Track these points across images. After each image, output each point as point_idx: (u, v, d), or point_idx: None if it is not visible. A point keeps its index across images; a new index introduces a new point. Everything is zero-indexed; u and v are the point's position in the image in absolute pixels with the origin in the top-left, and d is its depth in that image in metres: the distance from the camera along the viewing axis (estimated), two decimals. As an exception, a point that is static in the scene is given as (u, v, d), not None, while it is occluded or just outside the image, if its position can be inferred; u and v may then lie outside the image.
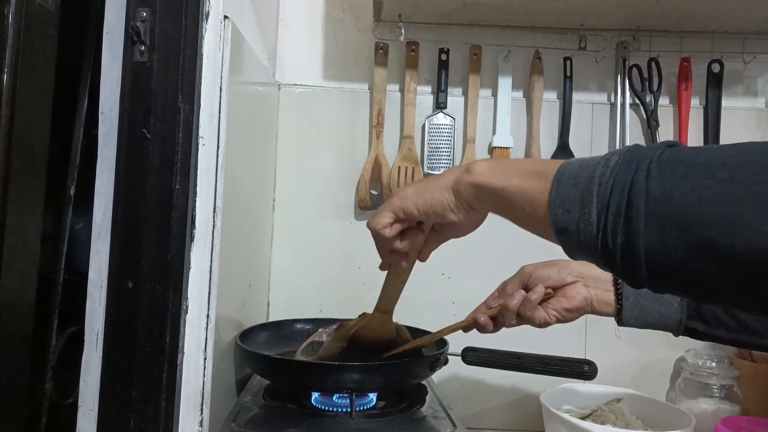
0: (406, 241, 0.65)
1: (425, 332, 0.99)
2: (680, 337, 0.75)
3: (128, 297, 0.66)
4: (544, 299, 0.75)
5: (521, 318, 0.77)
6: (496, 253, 1.15)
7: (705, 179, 0.38)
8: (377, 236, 0.66)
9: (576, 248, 0.45)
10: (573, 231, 0.44)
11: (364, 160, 1.15)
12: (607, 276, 0.74)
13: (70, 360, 0.73)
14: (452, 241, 1.21)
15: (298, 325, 1.03)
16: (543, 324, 0.76)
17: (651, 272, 0.40)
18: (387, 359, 0.83)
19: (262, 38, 1.05)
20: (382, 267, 0.71)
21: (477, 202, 0.56)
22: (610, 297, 0.74)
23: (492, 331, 0.80)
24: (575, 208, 0.44)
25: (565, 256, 0.48)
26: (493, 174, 0.53)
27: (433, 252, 1.19)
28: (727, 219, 0.36)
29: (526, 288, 0.77)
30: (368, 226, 0.66)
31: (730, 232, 0.36)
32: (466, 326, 0.81)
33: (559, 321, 0.75)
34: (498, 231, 1.17)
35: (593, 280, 0.75)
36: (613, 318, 0.76)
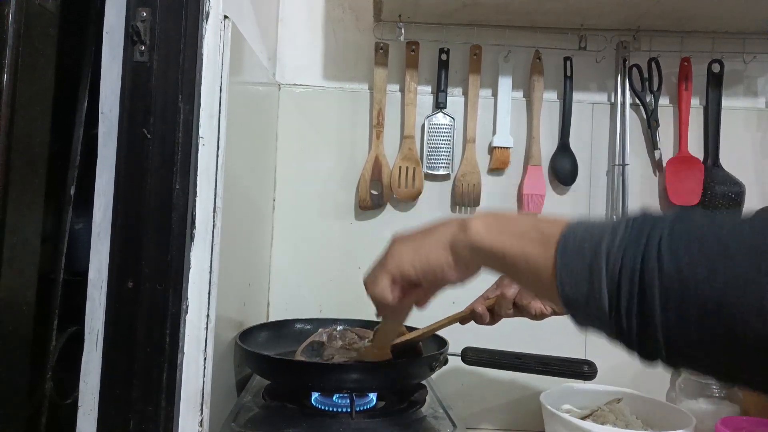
0: (406, 299, 0.62)
1: (425, 332, 0.99)
2: None
3: (128, 297, 0.66)
4: None
5: (518, 308, 0.78)
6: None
7: (723, 260, 0.37)
8: (377, 302, 0.63)
9: (586, 322, 0.45)
10: (582, 306, 0.43)
11: (364, 160, 1.15)
12: None
13: (70, 360, 0.73)
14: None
15: (298, 325, 1.03)
16: (539, 314, 0.77)
17: (671, 353, 0.40)
18: (386, 360, 0.83)
19: (262, 38, 1.05)
20: (378, 315, 0.69)
21: (476, 263, 0.54)
22: None
23: (489, 323, 0.81)
24: (584, 284, 0.42)
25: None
26: (491, 234, 0.50)
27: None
28: (753, 307, 0.35)
29: None
30: (367, 291, 0.64)
31: (761, 321, 0.35)
32: (464, 318, 0.81)
33: (554, 313, 0.75)
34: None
35: None
36: None
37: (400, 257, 0.58)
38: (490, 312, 0.80)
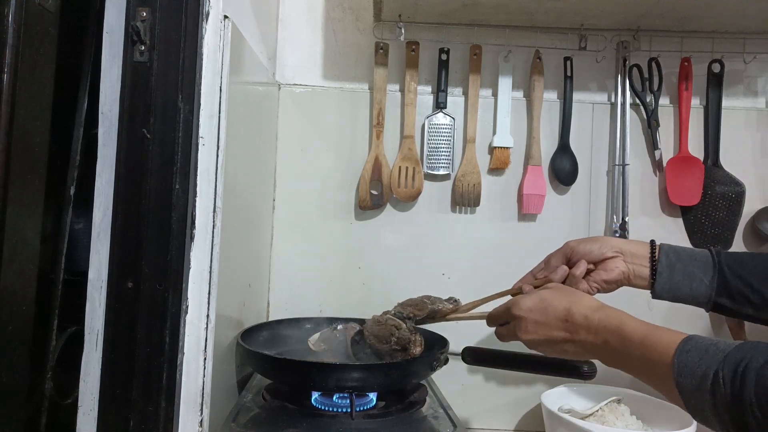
0: None
1: (426, 332, 0.99)
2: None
3: (128, 297, 0.66)
4: (586, 273, 0.79)
5: None
6: (496, 253, 1.16)
7: None
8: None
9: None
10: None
11: (364, 160, 1.15)
12: (644, 252, 0.79)
13: (70, 360, 0.73)
14: (452, 241, 1.22)
15: (298, 325, 1.03)
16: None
17: None
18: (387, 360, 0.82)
19: (262, 38, 1.05)
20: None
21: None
22: (646, 272, 0.79)
23: None
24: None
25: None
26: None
27: (433, 252, 1.20)
28: None
29: (569, 262, 0.81)
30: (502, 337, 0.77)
31: None
32: (514, 293, 0.83)
33: (599, 291, 0.79)
34: (497, 231, 1.17)
35: (631, 256, 0.79)
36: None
37: (536, 336, 0.72)
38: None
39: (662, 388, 0.59)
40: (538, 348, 0.72)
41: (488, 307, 0.82)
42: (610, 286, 0.79)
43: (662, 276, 0.77)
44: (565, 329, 0.69)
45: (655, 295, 0.79)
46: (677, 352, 0.57)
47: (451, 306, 0.86)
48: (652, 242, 0.80)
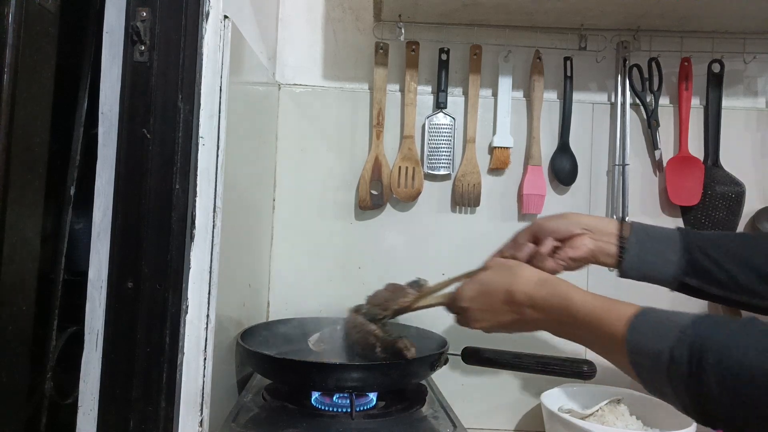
0: None
1: (426, 332, 0.99)
2: None
3: (128, 297, 0.66)
4: (553, 250, 0.79)
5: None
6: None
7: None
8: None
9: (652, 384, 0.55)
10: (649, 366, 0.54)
11: (364, 160, 1.15)
12: (613, 230, 0.78)
13: (70, 360, 0.73)
14: (452, 241, 1.22)
15: (298, 325, 1.03)
16: (552, 273, 0.78)
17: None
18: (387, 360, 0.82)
19: (262, 38, 1.05)
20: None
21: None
22: (613, 249, 0.77)
23: None
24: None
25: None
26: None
27: (433, 252, 1.20)
28: None
29: (537, 239, 0.80)
30: (464, 321, 0.76)
31: None
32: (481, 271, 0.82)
33: (566, 269, 0.78)
34: (497, 231, 1.17)
35: (599, 233, 0.78)
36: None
37: (486, 324, 0.73)
38: None
39: (617, 363, 0.58)
40: (495, 331, 0.72)
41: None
42: (576, 263, 0.78)
43: (629, 254, 0.76)
44: (511, 311, 0.68)
45: (622, 274, 0.77)
46: (630, 328, 0.55)
47: (411, 297, 0.84)
48: (621, 219, 0.78)
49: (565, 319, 0.63)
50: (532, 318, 0.67)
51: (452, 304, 0.76)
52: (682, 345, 0.51)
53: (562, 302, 0.63)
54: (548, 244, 0.78)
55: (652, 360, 0.53)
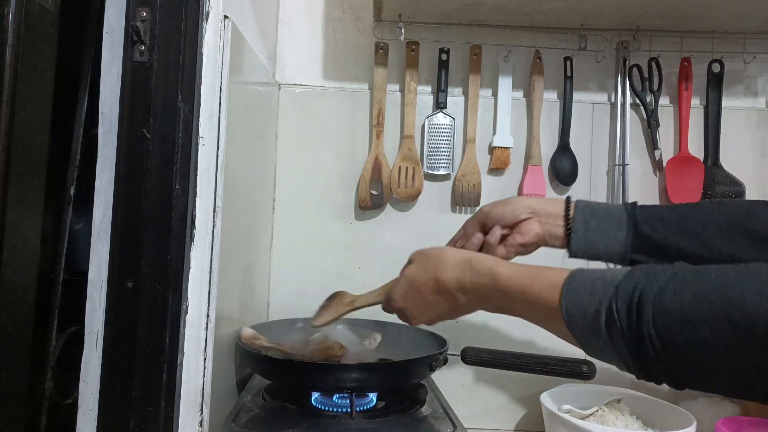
0: None
1: (426, 332, 0.99)
2: None
3: (128, 297, 0.66)
4: (502, 237, 0.79)
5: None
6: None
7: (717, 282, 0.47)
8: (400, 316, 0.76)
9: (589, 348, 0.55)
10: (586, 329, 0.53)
11: (364, 160, 1.15)
12: (559, 211, 0.77)
13: (70, 360, 0.73)
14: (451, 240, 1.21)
15: (298, 325, 1.03)
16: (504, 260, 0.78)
17: (666, 360, 0.48)
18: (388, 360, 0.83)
19: (262, 38, 1.05)
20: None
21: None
22: (560, 231, 0.77)
23: None
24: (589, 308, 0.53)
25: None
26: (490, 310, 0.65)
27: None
28: (754, 287, 0.44)
29: (485, 227, 0.80)
30: (392, 308, 0.76)
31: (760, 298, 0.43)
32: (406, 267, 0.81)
33: (517, 255, 0.78)
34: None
35: (546, 216, 0.78)
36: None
37: (425, 319, 0.72)
38: None
39: (555, 331, 0.57)
40: (438, 322, 0.72)
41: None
42: (527, 248, 0.78)
43: (577, 234, 0.75)
44: (445, 300, 0.67)
45: (571, 254, 0.77)
46: (563, 293, 0.54)
47: (348, 301, 0.84)
48: (567, 199, 0.77)
49: (497, 295, 0.62)
50: (466, 301, 0.66)
51: (387, 306, 0.76)
52: (618, 299, 0.50)
53: (489, 280, 0.62)
54: (496, 233, 0.78)
55: (590, 320, 0.52)
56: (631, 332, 0.48)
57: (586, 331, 0.52)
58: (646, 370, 0.50)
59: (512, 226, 0.78)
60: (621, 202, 0.77)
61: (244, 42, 0.85)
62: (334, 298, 0.87)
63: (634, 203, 0.76)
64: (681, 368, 0.47)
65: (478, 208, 1.14)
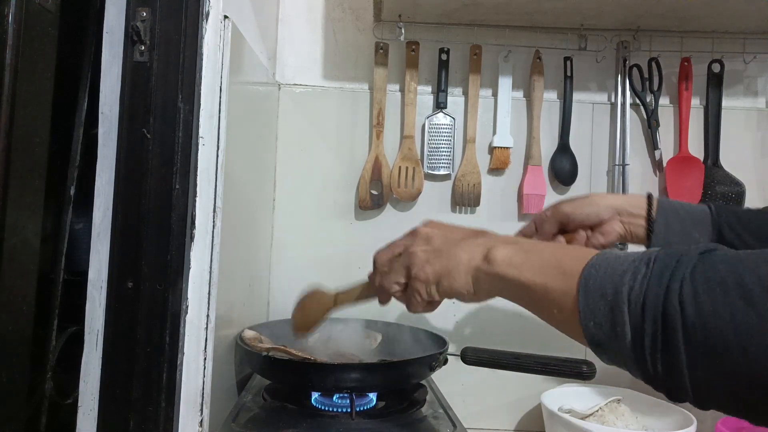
0: (406, 295, 0.63)
1: (426, 332, 0.99)
2: None
3: (128, 297, 0.66)
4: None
5: None
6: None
7: (746, 308, 0.37)
8: (380, 288, 0.66)
9: (612, 362, 0.45)
10: (608, 347, 0.44)
11: (364, 160, 1.15)
12: (641, 211, 0.76)
13: (70, 360, 0.73)
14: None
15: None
16: None
17: (698, 397, 0.41)
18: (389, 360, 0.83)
19: (262, 38, 1.05)
20: (369, 294, 0.71)
21: (496, 292, 0.55)
22: (642, 232, 0.76)
23: None
24: (607, 325, 0.43)
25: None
26: (513, 267, 0.51)
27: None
28: None
29: (565, 228, 0.78)
30: (375, 272, 0.67)
31: None
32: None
33: None
34: (497, 231, 1.17)
35: (628, 216, 0.77)
36: None
37: (424, 271, 0.59)
38: None
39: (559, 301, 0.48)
40: (429, 265, 0.59)
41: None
42: (605, 246, 0.76)
43: (658, 236, 0.75)
44: (472, 233, 0.59)
45: None
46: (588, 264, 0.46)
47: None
48: (649, 197, 0.76)
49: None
50: (478, 247, 0.56)
51: (397, 246, 0.64)
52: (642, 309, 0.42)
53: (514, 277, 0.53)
54: (580, 240, 0.76)
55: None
56: (656, 341, 0.41)
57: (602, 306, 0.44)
58: (671, 385, 0.42)
59: (593, 227, 0.77)
60: (704, 203, 0.75)
61: (244, 42, 0.85)
62: (311, 296, 0.81)
63: (720, 204, 0.75)
64: (709, 381, 0.40)
65: (479, 207, 1.14)
